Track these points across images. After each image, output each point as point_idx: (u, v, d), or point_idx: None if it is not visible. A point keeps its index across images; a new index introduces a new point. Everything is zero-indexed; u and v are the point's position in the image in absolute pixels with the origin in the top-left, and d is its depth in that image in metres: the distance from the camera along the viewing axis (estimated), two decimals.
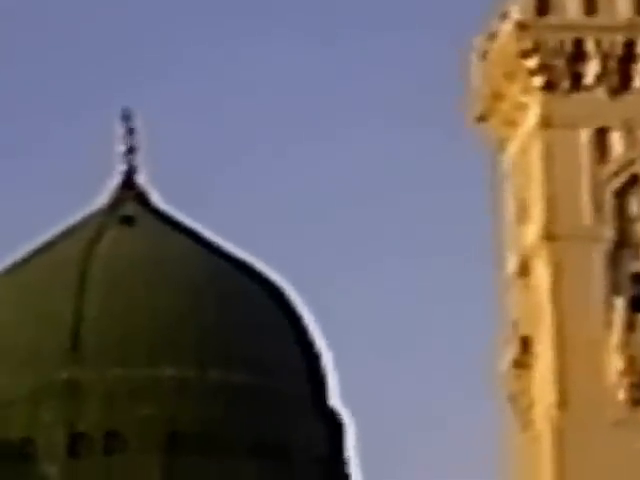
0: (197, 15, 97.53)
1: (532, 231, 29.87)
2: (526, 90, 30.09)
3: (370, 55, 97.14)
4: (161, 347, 35.77)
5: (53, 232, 39.87)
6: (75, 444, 33.59)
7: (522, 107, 30.84)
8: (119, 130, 41.58)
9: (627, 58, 29.41)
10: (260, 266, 41.67)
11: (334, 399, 40.90)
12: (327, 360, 41.03)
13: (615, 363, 27.30)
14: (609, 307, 27.69)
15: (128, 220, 39.97)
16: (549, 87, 29.44)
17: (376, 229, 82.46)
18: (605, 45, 29.28)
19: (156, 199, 41.72)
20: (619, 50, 29.28)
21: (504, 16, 31.02)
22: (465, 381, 49.23)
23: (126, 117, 41.51)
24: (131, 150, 41.69)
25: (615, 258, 28.65)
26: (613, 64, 29.17)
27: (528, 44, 29.31)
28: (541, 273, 29.29)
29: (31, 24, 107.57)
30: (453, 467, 56.21)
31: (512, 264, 30.98)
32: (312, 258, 79.87)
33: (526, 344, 29.20)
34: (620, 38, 29.32)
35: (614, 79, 29.29)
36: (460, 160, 51.51)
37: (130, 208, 41.20)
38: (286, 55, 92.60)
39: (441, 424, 73.20)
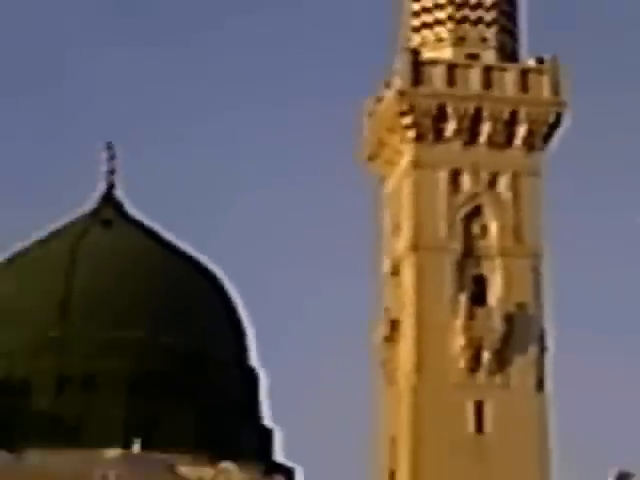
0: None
1: (402, 243, 35.35)
2: (402, 140, 35.79)
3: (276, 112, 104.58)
4: (126, 316, 40.65)
5: (50, 229, 45.36)
6: (61, 384, 39.48)
7: (399, 153, 36.55)
8: (104, 156, 45.64)
9: (476, 120, 35.82)
10: (202, 259, 46.50)
11: (253, 360, 47.18)
12: (250, 333, 46.55)
13: (458, 341, 33.35)
14: (456, 300, 33.46)
15: (107, 223, 45.40)
16: (419, 139, 35.08)
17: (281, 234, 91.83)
18: (461, 109, 35.58)
19: (129, 208, 46.07)
20: (470, 113, 35.94)
21: (387, 84, 37.03)
22: (347, 351, 57.90)
23: (109, 147, 46.47)
24: (112, 172, 46.02)
25: (461, 265, 34.86)
26: (466, 124, 35.57)
27: (405, 107, 34.75)
28: (407, 274, 34.74)
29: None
30: (340, 417, 64.64)
31: (387, 266, 36.51)
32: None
33: (394, 325, 34.81)
34: (472, 104, 35.74)
35: (466, 134, 35.61)
36: (352, 192, 55.38)
37: (109, 214, 47.00)
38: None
39: (331, 385, 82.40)
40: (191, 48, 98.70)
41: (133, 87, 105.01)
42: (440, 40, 39.59)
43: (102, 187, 47.46)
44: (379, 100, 38.67)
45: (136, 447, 39.36)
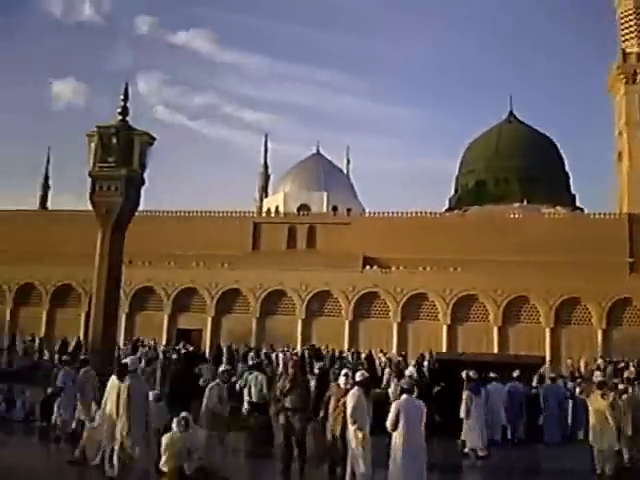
0: None
1: None
2: None
3: None
4: (513, 153, 76.47)
5: (491, 126, 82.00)
6: (497, 181, 74.99)
7: None
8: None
9: None
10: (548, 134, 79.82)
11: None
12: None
13: None
14: None
15: (510, 122, 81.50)
16: None
17: None
18: None
19: (518, 115, 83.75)
20: None
21: None
22: None
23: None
24: (511, 97, 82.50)
25: None
26: None
27: None
28: None
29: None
30: None
31: None
32: None
33: None
34: None
35: None
36: None
37: (511, 118, 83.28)
38: None
39: None
40: None
41: None
42: None
43: (506, 109, 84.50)
44: None
45: (525, 201, 65.88)
